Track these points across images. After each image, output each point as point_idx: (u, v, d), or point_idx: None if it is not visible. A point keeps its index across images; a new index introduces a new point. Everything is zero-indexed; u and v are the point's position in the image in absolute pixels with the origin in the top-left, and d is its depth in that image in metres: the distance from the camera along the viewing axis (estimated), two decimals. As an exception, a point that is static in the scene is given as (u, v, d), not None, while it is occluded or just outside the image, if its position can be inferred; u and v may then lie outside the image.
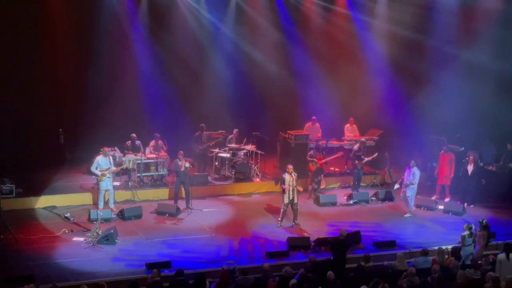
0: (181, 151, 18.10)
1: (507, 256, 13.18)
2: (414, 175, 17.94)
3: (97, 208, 17.20)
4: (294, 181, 16.69)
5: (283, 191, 16.77)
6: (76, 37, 20.59)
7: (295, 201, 16.81)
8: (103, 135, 19.34)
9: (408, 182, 17.96)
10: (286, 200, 16.75)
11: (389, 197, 19.44)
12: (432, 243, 15.60)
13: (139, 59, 21.44)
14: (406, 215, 18.14)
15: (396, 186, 18.68)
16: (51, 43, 20.38)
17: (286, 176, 16.74)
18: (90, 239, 15.32)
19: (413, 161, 18.07)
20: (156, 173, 19.34)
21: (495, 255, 14.18)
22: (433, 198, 19.28)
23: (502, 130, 20.63)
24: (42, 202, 17.81)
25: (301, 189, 17.25)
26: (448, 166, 19.22)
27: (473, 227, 14.78)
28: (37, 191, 18.06)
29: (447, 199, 19.28)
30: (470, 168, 18.92)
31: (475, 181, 19.01)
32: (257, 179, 20.33)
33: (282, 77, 23.00)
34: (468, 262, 14.15)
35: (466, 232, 14.56)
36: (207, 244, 15.69)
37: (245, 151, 20.27)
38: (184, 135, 20.77)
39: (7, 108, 19.58)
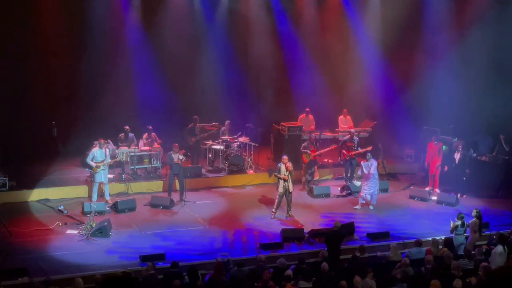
0: (176, 144, 18.07)
1: (503, 248, 13.20)
2: (366, 167, 17.70)
3: (91, 200, 17.19)
4: (289, 171, 16.68)
5: (279, 180, 16.73)
6: (69, 30, 20.50)
7: (290, 190, 16.82)
8: (96, 127, 19.33)
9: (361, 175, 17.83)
10: (280, 190, 16.75)
11: (383, 188, 19.44)
12: (425, 234, 15.66)
13: (131, 52, 21.38)
14: (370, 207, 17.91)
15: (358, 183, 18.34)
16: (43, 36, 20.26)
17: (282, 166, 16.74)
18: (83, 232, 15.29)
19: (368, 154, 17.93)
20: (150, 165, 19.31)
21: (488, 245, 14.26)
22: (427, 189, 19.30)
23: (497, 121, 20.59)
24: (36, 195, 17.77)
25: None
26: (437, 155, 19.19)
27: (465, 216, 14.83)
28: (31, 184, 18.01)
29: (436, 190, 19.25)
30: (457, 156, 18.87)
31: (460, 169, 18.90)
32: (251, 171, 20.31)
33: (275, 69, 22.97)
34: (461, 252, 14.19)
35: (458, 222, 14.60)
36: (201, 236, 15.69)
37: (238, 143, 20.24)
38: (177, 127, 20.73)
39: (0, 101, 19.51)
